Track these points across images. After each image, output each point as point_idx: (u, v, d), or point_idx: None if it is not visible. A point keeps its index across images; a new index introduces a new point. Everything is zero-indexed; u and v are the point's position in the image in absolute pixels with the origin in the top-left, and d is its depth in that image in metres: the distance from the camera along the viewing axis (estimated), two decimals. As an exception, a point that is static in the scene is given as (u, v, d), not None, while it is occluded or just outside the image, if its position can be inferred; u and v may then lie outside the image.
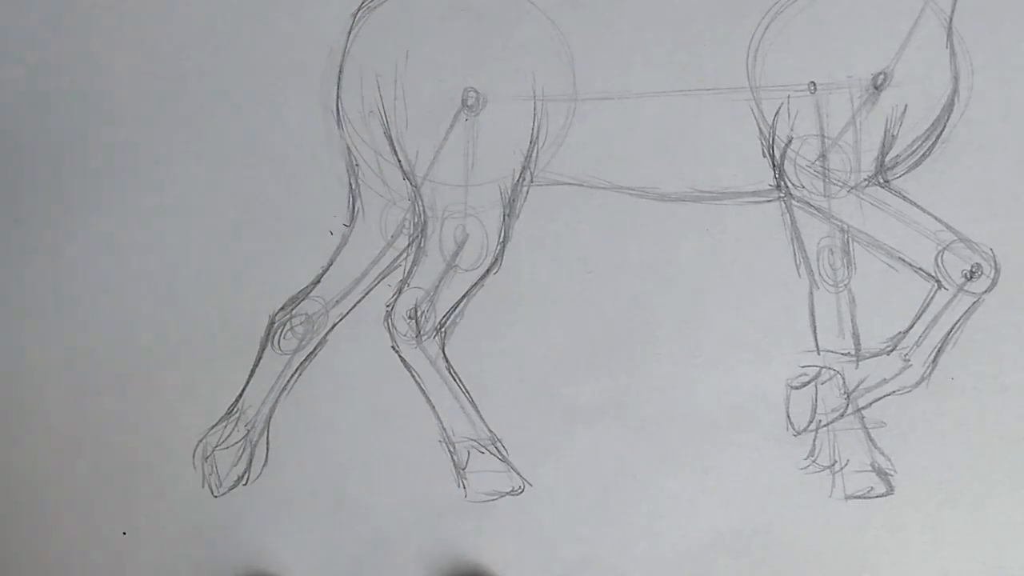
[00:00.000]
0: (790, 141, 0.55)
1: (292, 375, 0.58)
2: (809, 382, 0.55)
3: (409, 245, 0.57)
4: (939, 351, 0.55)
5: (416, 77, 0.57)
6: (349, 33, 0.58)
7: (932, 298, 0.55)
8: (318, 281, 0.58)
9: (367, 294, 0.58)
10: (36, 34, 0.58)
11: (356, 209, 0.57)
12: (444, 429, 0.57)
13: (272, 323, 0.58)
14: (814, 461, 0.55)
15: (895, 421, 0.55)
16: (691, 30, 0.56)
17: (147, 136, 0.59)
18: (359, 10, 0.58)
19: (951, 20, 0.55)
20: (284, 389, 0.57)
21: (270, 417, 0.58)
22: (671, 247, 0.56)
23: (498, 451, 0.57)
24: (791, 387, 0.56)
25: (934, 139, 0.55)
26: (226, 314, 0.58)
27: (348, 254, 0.58)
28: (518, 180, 0.57)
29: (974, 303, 0.55)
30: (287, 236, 0.58)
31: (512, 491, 0.56)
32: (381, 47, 0.58)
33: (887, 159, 0.55)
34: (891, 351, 0.55)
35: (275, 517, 0.57)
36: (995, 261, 0.54)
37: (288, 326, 0.57)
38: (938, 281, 0.55)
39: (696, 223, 0.56)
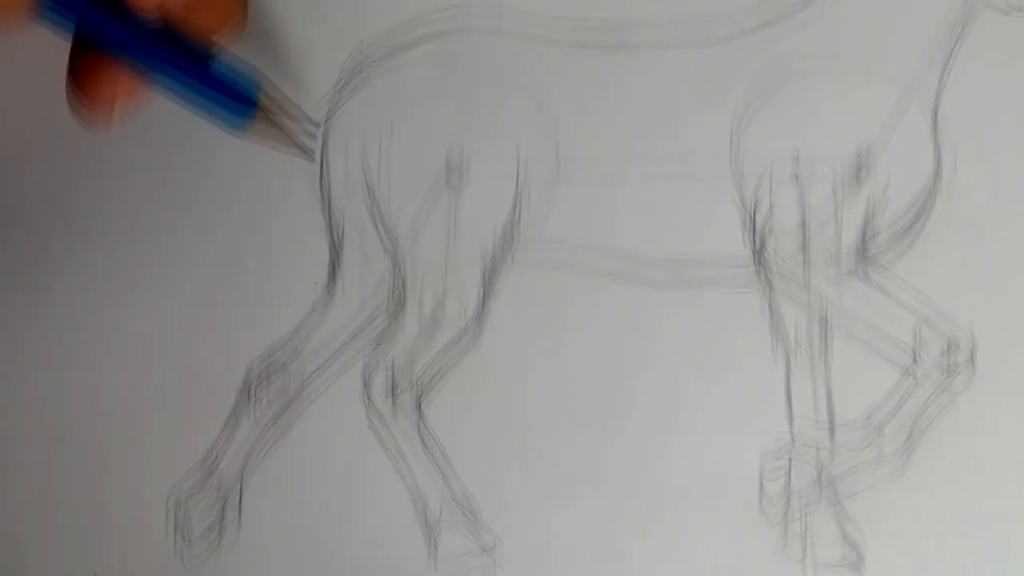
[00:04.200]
0: (771, 228, 0.55)
1: (267, 429, 0.57)
2: (783, 456, 0.55)
3: (388, 311, 0.57)
4: (913, 433, 0.55)
5: (401, 149, 0.58)
6: (334, 96, 0.58)
7: (908, 382, 0.55)
8: (296, 347, 0.57)
9: (344, 354, 0.58)
10: (16, 92, 0.58)
11: (336, 278, 0.57)
12: (417, 499, 0.57)
13: (248, 386, 0.57)
14: (786, 535, 0.55)
15: (868, 497, 0.55)
16: (675, 108, 0.56)
17: (129, 197, 0.59)
18: (347, 80, 0.58)
19: (935, 109, 0.55)
20: (258, 444, 0.58)
21: (243, 469, 0.57)
22: (650, 327, 0.56)
23: (471, 522, 0.56)
24: (765, 461, 0.55)
25: (915, 222, 0.55)
26: (202, 368, 0.58)
27: (327, 317, 0.58)
28: (499, 249, 0.57)
29: (950, 387, 0.54)
30: (266, 300, 0.58)
31: (484, 562, 0.56)
32: (367, 117, 0.58)
33: (867, 248, 0.55)
34: (866, 428, 0.55)
35: (247, 573, 0.57)
36: (973, 342, 0.54)
37: (264, 389, 0.57)
38: (915, 360, 0.55)
39: (675, 297, 0.56)
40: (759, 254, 0.56)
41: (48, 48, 0.50)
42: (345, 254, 0.58)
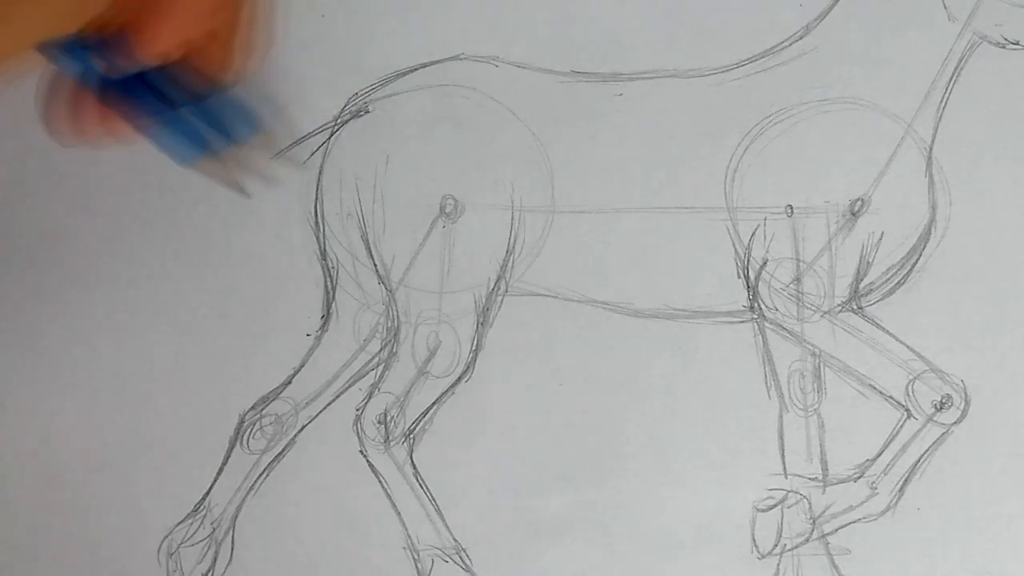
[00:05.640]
0: (765, 263, 0.55)
1: (260, 475, 0.58)
2: (775, 505, 0.55)
3: (381, 350, 0.57)
4: (906, 480, 0.55)
5: (395, 182, 0.57)
6: (330, 136, 0.57)
7: (901, 427, 0.55)
8: (289, 382, 0.58)
9: (337, 397, 0.58)
10: (15, 121, 0.58)
11: (331, 311, 0.57)
12: (409, 536, 0.57)
13: (242, 422, 0.58)
14: (779, 582, 0.55)
15: (860, 548, 0.55)
16: (671, 148, 0.56)
17: (125, 231, 0.59)
18: (341, 114, 0.57)
19: (931, 149, 0.55)
20: (251, 489, 0.58)
21: (236, 516, 0.57)
22: (643, 363, 0.56)
23: (462, 561, 0.57)
24: (757, 509, 0.55)
25: (909, 268, 0.55)
26: (196, 412, 0.58)
27: (320, 356, 0.58)
28: (493, 289, 0.57)
29: (943, 434, 0.55)
30: (260, 336, 0.58)
31: (473, 605, 0.56)
32: (362, 151, 0.58)
33: (861, 286, 0.55)
34: (858, 478, 0.55)
35: (239, 615, 0.57)
36: (966, 393, 0.54)
37: (257, 426, 0.58)
38: (908, 410, 0.55)
39: (669, 340, 0.56)
40: (753, 287, 0.56)
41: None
42: (339, 287, 0.58)
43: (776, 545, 0.55)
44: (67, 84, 0.49)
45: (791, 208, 0.55)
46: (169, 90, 0.50)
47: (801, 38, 0.55)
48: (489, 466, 0.57)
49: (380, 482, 0.57)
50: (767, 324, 0.55)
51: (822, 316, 0.55)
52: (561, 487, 0.56)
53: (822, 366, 0.55)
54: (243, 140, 0.53)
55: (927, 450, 0.55)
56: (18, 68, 0.45)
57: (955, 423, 0.54)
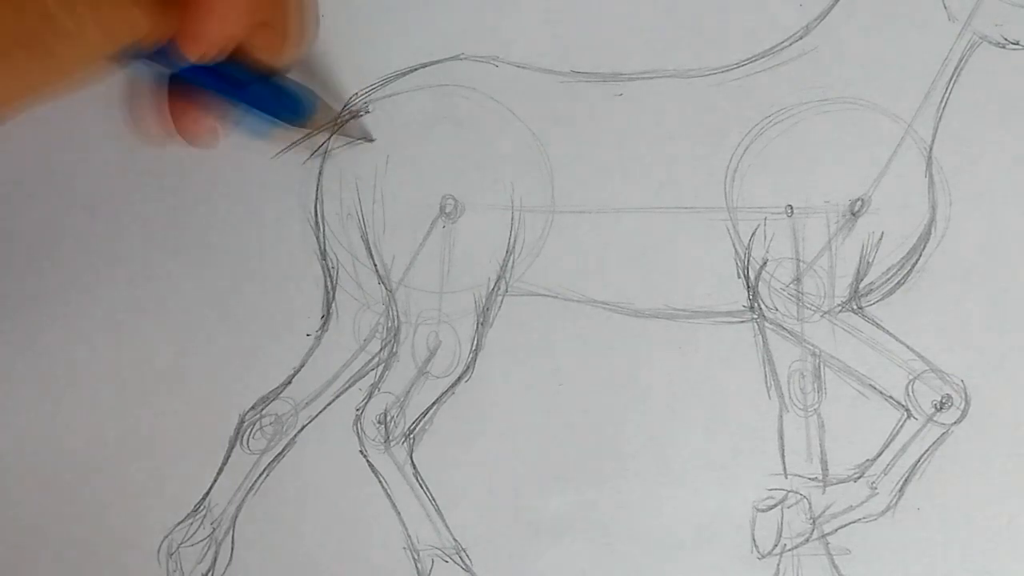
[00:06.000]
0: (765, 263, 0.55)
1: (260, 475, 0.58)
2: (775, 505, 0.55)
3: (381, 350, 0.57)
4: (906, 480, 0.54)
5: (395, 182, 0.57)
6: (330, 136, 0.57)
7: (901, 427, 0.55)
8: (289, 382, 0.58)
9: (337, 397, 0.58)
10: (15, 121, 0.58)
11: (331, 311, 0.57)
12: (409, 536, 0.57)
13: (242, 422, 0.58)
14: (779, 582, 0.55)
15: (860, 548, 0.55)
16: (671, 148, 0.56)
17: (125, 230, 0.59)
18: (341, 114, 0.57)
19: (931, 149, 0.55)
20: (251, 488, 0.57)
21: (236, 516, 0.57)
22: (643, 363, 0.56)
23: (462, 561, 0.57)
24: (757, 509, 0.55)
25: (909, 268, 0.55)
26: (196, 412, 0.58)
27: (320, 356, 0.58)
28: (493, 289, 0.57)
29: (943, 434, 0.55)
30: (260, 335, 0.58)
31: (473, 605, 0.56)
32: (362, 151, 0.58)
33: (861, 285, 0.55)
34: (858, 478, 0.55)
35: (239, 614, 0.57)
36: (966, 393, 0.54)
37: (257, 426, 0.58)
38: (908, 410, 0.55)
39: (669, 340, 0.56)
40: (753, 287, 0.56)
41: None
42: (339, 287, 0.58)
43: (776, 545, 0.55)
44: (143, 86, 0.52)
45: (791, 208, 0.55)
46: (236, 73, 0.52)
47: (801, 38, 0.55)
48: (489, 466, 0.57)
49: (380, 482, 0.57)
50: (767, 324, 0.55)
51: (822, 316, 0.55)
52: (561, 487, 0.56)
53: (822, 366, 0.55)
54: (302, 121, 0.56)
55: (927, 450, 0.55)
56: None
57: (955, 423, 0.54)
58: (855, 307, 0.55)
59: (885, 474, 0.54)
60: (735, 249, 0.55)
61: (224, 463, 0.57)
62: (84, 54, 0.45)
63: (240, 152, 0.57)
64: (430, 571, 0.57)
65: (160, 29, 0.47)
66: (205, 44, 0.48)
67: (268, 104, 0.54)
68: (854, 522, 0.55)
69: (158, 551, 0.57)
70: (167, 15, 0.47)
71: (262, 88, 0.53)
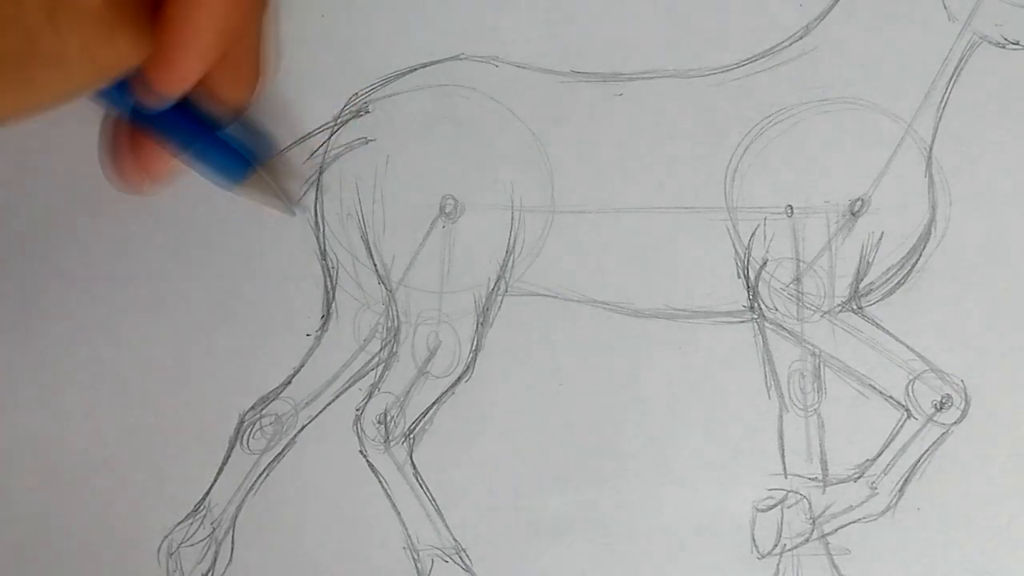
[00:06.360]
0: (765, 263, 0.55)
1: (260, 475, 0.58)
2: (775, 505, 0.55)
3: (381, 350, 0.57)
4: (906, 480, 0.54)
5: (395, 182, 0.57)
6: (330, 136, 0.57)
7: (901, 427, 0.55)
8: (289, 382, 0.58)
9: (337, 397, 0.58)
10: (10, 138, 0.58)
11: (331, 311, 0.57)
12: (409, 536, 0.57)
13: (242, 422, 0.58)
14: (779, 581, 0.55)
15: (859, 548, 0.55)
16: (671, 148, 0.56)
17: (125, 230, 0.59)
18: (341, 113, 0.57)
19: (931, 149, 0.55)
20: (251, 488, 0.57)
21: (236, 516, 0.57)
22: (643, 363, 0.56)
23: (462, 561, 0.57)
24: (757, 509, 0.55)
25: (909, 267, 0.55)
26: (196, 412, 0.58)
27: (320, 356, 0.58)
28: (493, 289, 0.57)
29: (943, 434, 0.55)
30: (260, 335, 0.58)
31: (473, 605, 0.56)
32: (362, 151, 0.58)
33: (861, 285, 0.55)
34: (858, 478, 0.55)
35: (239, 613, 0.57)
36: (966, 393, 0.54)
37: (257, 426, 0.57)
38: (908, 410, 0.55)
39: (669, 340, 0.56)
40: (753, 287, 0.56)
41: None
42: (339, 287, 0.58)
43: (776, 545, 0.55)
44: (115, 124, 0.52)
45: (791, 208, 0.55)
46: (203, 116, 0.52)
47: (801, 38, 0.55)
48: (489, 466, 0.57)
49: (380, 482, 0.57)
50: (767, 324, 0.55)
51: (822, 316, 0.55)
52: (561, 487, 0.56)
53: (822, 366, 0.55)
54: (262, 163, 0.55)
55: (927, 450, 0.55)
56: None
57: (955, 423, 0.54)
58: (855, 307, 0.55)
59: (885, 474, 0.54)
60: (735, 249, 0.55)
61: (224, 463, 0.57)
62: (66, 82, 0.43)
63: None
64: (430, 571, 0.57)
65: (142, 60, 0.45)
66: (179, 79, 0.46)
67: (210, 156, 0.54)
68: (854, 522, 0.55)
69: (158, 551, 0.57)
70: (147, 46, 0.45)
71: (206, 138, 0.53)
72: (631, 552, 0.56)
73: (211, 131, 0.53)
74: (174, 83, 0.46)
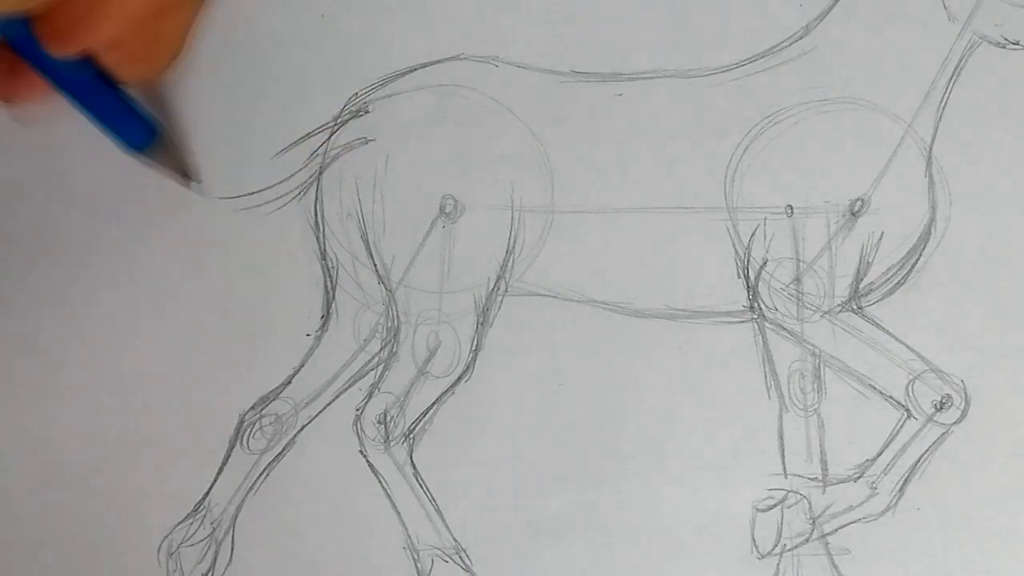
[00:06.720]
0: (765, 263, 0.55)
1: (260, 475, 0.58)
2: (775, 505, 0.55)
3: (381, 350, 0.57)
4: (906, 480, 0.54)
5: (395, 182, 0.57)
6: (330, 136, 0.57)
7: (901, 427, 0.55)
8: (289, 382, 0.58)
9: (337, 397, 0.58)
10: (11, 134, 0.58)
11: (331, 311, 0.57)
12: (409, 536, 0.57)
13: (242, 422, 0.58)
14: (779, 581, 0.55)
15: (859, 548, 0.55)
16: (670, 148, 0.56)
17: (125, 230, 0.59)
18: (341, 113, 0.57)
19: (931, 149, 0.55)
20: (251, 488, 0.57)
21: (236, 516, 0.57)
22: (643, 363, 0.56)
23: (462, 561, 0.57)
24: (757, 509, 0.55)
25: (909, 268, 0.55)
26: (195, 411, 0.58)
27: (320, 356, 0.58)
28: (493, 289, 0.57)
29: (943, 434, 0.54)
30: (259, 335, 0.58)
31: (473, 604, 0.56)
32: (362, 151, 0.58)
33: (861, 285, 0.55)
34: (858, 478, 0.55)
35: (239, 614, 0.57)
36: (966, 393, 0.54)
37: (257, 426, 0.57)
38: (908, 410, 0.55)
39: (668, 340, 0.56)
40: (753, 287, 0.56)
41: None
42: (339, 287, 0.58)
43: (776, 545, 0.55)
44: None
45: (791, 208, 0.55)
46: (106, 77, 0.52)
47: (801, 38, 0.55)
48: (489, 466, 0.57)
49: (380, 482, 0.57)
50: (767, 324, 0.55)
51: (822, 316, 0.55)
52: (561, 487, 0.56)
53: (822, 366, 0.55)
54: (136, 148, 0.56)
55: (927, 450, 0.55)
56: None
57: (955, 423, 0.54)
58: (855, 307, 0.55)
59: (885, 474, 0.54)
60: (735, 249, 0.55)
61: (224, 463, 0.57)
62: None
63: (240, 153, 0.57)
64: (430, 571, 0.57)
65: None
66: (73, 44, 0.47)
67: (105, 113, 0.54)
68: (854, 522, 0.55)
69: (158, 551, 0.57)
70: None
71: (104, 96, 0.53)
72: (631, 552, 0.56)
73: (111, 92, 0.54)
74: (62, 48, 0.48)
